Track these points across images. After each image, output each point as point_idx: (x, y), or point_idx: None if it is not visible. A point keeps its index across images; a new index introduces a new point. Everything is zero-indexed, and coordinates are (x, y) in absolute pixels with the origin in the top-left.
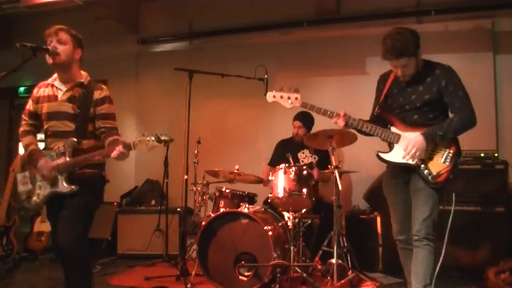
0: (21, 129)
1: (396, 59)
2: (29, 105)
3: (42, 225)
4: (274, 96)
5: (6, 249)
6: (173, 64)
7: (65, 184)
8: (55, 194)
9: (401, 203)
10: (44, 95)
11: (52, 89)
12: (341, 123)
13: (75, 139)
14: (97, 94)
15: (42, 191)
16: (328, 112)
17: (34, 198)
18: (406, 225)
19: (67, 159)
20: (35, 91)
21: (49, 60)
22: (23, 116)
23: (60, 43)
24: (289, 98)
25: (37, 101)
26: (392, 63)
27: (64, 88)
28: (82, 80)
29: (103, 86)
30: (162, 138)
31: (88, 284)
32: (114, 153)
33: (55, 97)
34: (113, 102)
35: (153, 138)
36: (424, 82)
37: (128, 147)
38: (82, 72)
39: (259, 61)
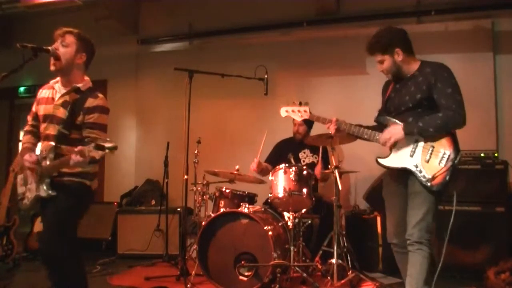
0: (24, 129)
1: (369, 54)
2: (33, 106)
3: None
4: (286, 111)
5: (6, 249)
6: (173, 64)
7: (45, 189)
8: (39, 198)
9: (397, 206)
10: (44, 97)
11: (52, 92)
12: (332, 128)
13: (53, 143)
14: (89, 102)
15: (30, 194)
16: (326, 120)
17: (25, 201)
18: (401, 228)
19: (47, 163)
20: (38, 92)
21: (51, 66)
22: (28, 117)
23: (63, 46)
24: (299, 111)
25: (38, 102)
26: None
27: (62, 92)
28: (79, 86)
29: (99, 95)
30: (107, 145)
31: None
32: (71, 161)
33: (52, 100)
34: (113, 103)
35: (92, 146)
36: (416, 81)
37: (83, 154)
38: (85, 78)
39: (259, 61)
